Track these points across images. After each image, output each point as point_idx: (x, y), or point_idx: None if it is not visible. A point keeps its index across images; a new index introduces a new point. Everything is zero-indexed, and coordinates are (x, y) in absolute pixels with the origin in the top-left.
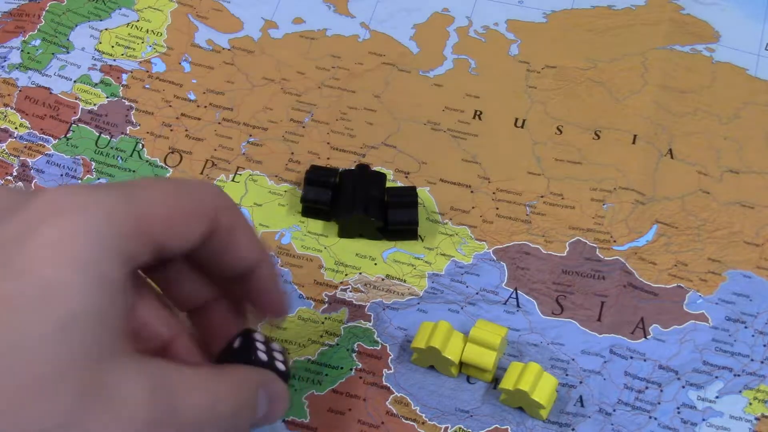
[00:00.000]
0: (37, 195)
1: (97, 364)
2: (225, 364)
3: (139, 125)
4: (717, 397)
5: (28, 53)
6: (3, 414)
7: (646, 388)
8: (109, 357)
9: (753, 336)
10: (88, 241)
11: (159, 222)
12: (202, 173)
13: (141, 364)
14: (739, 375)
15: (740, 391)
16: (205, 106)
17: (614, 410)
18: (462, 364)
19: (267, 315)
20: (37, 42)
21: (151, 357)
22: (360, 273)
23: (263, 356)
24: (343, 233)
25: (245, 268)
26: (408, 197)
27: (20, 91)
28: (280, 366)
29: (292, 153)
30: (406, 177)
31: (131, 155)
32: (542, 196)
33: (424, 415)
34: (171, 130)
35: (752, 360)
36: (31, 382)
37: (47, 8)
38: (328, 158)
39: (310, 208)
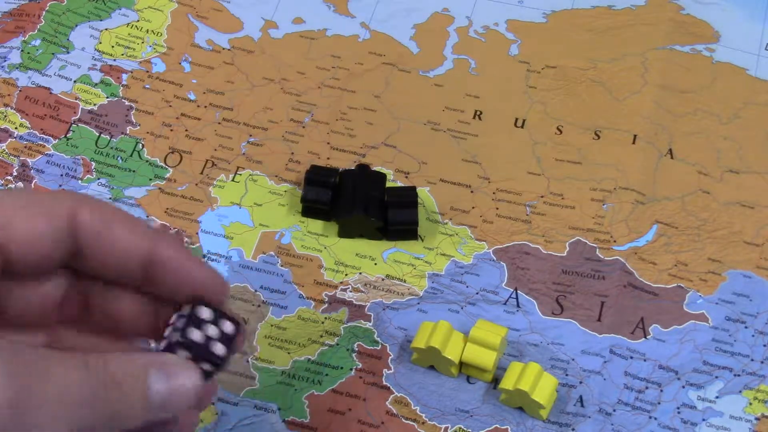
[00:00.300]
0: None
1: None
2: (108, 353)
3: (139, 125)
4: (717, 397)
5: (28, 53)
6: None
7: (646, 388)
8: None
9: (753, 336)
10: None
11: (12, 242)
12: (202, 173)
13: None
14: (739, 375)
15: (740, 391)
16: (205, 106)
17: (614, 410)
18: (462, 364)
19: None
20: (37, 42)
21: (13, 343)
22: (360, 273)
23: (197, 336)
24: (343, 233)
25: (140, 259)
26: (408, 197)
27: (20, 91)
28: (218, 350)
29: (292, 153)
30: (406, 177)
31: (131, 155)
32: (542, 196)
33: (424, 415)
34: (171, 130)
35: (752, 360)
36: None
37: (47, 8)
38: (328, 158)
39: (310, 208)
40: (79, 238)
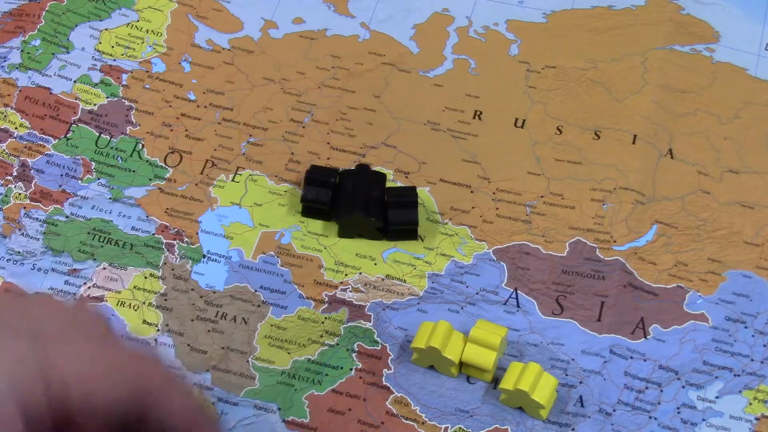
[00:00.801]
0: None
1: None
2: None
3: (139, 125)
4: (717, 397)
5: (28, 53)
6: None
7: (646, 388)
8: None
9: (753, 336)
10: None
11: (75, 392)
12: (202, 173)
13: None
14: (739, 375)
15: (740, 391)
16: (205, 106)
17: (614, 410)
18: (462, 364)
19: None
20: (37, 42)
21: None
22: (360, 273)
23: None
24: (343, 233)
25: None
26: (408, 197)
27: (20, 91)
28: None
29: (292, 153)
30: (406, 177)
31: (131, 155)
32: (542, 196)
33: (424, 415)
34: (171, 130)
35: (752, 360)
36: None
37: (47, 8)
38: (328, 158)
39: (310, 208)
40: (135, 406)
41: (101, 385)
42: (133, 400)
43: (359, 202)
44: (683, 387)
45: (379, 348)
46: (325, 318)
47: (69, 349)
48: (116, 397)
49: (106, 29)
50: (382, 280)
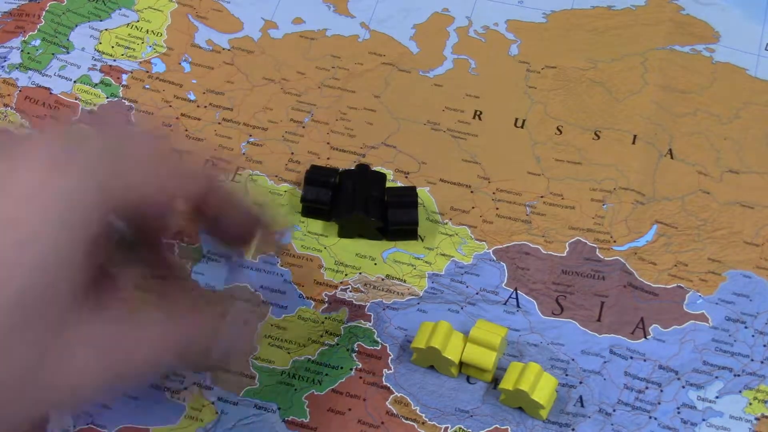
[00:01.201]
0: (31, 141)
1: (58, 320)
2: (184, 313)
3: (139, 125)
4: (717, 397)
5: (28, 53)
6: None
7: (646, 388)
8: (69, 313)
9: (753, 336)
10: (61, 202)
11: (131, 205)
12: None
13: (94, 321)
14: (739, 375)
15: (740, 391)
16: (205, 106)
17: (614, 410)
18: (462, 364)
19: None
20: (37, 42)
21: (103, 311)
22: (360, 273)
23: None
24: (343, 233)
25: (236, 237)
26: (408, 197)
27: (20, 91)
28: None
29: (292, 153)
30: (406, 177)
31: None
32: (542, 196)
33: (424, 415)
34: (171, 130)
35: (752, 360)
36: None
37: (47, 8)
38: (328, 158)
39: (310, 208)
40: (197, 215)
41: (157, 206)
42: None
43: (359, 202)
44: (683, 387)
45: (379, 348)
46: (325, 318)
47: (130, 167)
48: (170, 210)
49: (106, 29)
50: (382, 280)
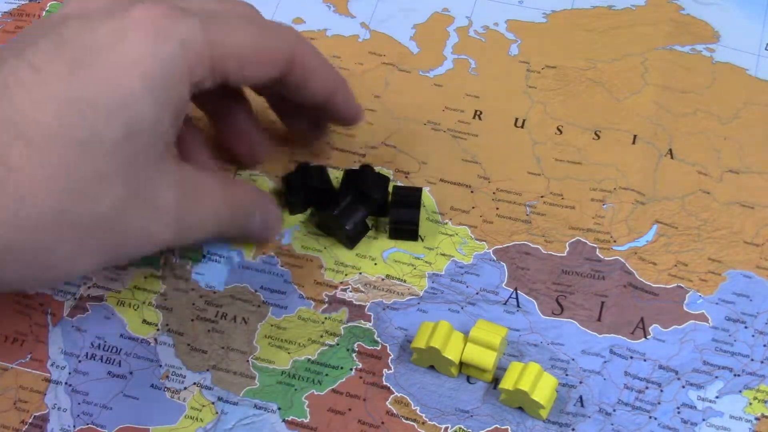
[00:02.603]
0: (136, 7)
1: (146, 169)
2: (235, 179)
3: None
4: (717, 397)
5: None
6: (74, 192)
7: (646, 388)
8: (156, 164)
9: (753, 336)
10: (162, 64)
11: (232, 59)
12: None
13: (176, 171)
14: (739, 375)
15: (740, 391)
16: None
17: (614, 410)
18: (462, 364)
19: (344, 126)
20: None
21: (183, 163)
22: (360, 273)
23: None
24: (320, 228)
25: (318, 101)
26: (412, 197)
27: None
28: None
29: (293, 153)
30: (406, 177)
31: None
32: (542, 196)
33: (424, 415)
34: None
35: (752, 360)
36: (96, 175)
37: (47, 8)
38: (328, 158)
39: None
40: (286, 79)
41: (257, 61)
42: (285, 75)
43: (343, 204)
44: (683, 387)
45: (379, 348)
46: (325, 318)
47: (233, 28)
48: (268, 72)
49: None
50: (382, 280)
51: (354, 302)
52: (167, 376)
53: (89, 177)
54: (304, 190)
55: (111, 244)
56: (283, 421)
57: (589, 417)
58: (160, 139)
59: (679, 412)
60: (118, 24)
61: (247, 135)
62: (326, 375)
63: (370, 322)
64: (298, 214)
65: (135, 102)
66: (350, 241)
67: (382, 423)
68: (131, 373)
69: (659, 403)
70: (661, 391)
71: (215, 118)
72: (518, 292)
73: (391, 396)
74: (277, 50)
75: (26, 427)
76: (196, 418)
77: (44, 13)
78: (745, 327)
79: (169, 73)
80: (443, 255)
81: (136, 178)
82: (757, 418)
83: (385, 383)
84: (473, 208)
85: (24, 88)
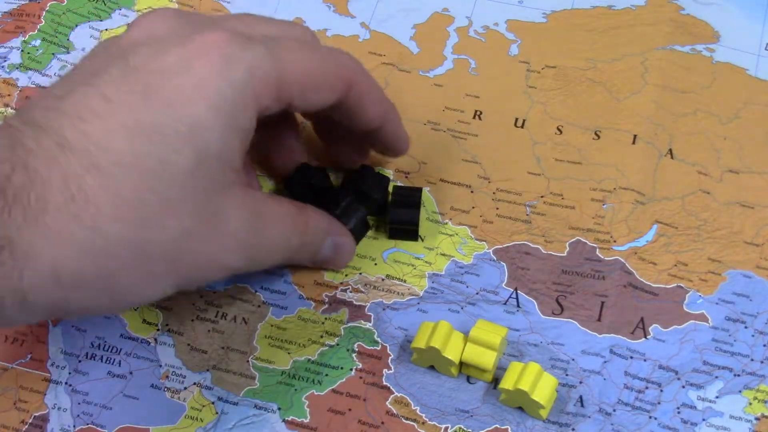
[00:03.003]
0: (203, 33)
1: (215, 196)
2: (306, 205)
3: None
4: (717, 397)
5: (28, 53)
6: (144, 221)
7: (646, 388)
8: (224, 190)
9: (753, 336)
10: (231, 91)
11: (296, 85)
12: None
13: (244, 197)
14: (739, 375)
15: (740, 391)
16: None
17: (614, 410)
18: (462, 364)
19: (390, 156)
20: (37, 42)
21: (250, 189)
22: (360, 273)
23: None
24: None
25: (372, 127)
26: (413, 198)
27: (20, 91)
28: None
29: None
30: (406, 177)
31: None
32: (542, 196)
33: (424, 415)
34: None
35: (752, 360)
36: (166, 204)
37: (47, 8)
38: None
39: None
40: (342, 103)
41: (319, 85)
42: (343, 99)
43: (343, 204)
44: (683, 387)
45: (379, 348)
46: (325, 318)
47: (296, 55)
48: (330, 96)
49: (106, 29)
50: (382, 280)
51: (354, 302)
52: (167, 376)
53: (159, 206)
54: (304, 190)
55: (179, 271)
56: (283, 421)
57: (589, 417)
58: (228, 166)
59: (679, 412)
60: (185, 51)
61: (291, 154)
62: (326, 375)
63: (370, 322)
64: None
65: (204, 129)
66: (356, 236)
67: (382, 423)
68: (131, 373)
69: (659, 403)
70: (661, 391)
71: (265, 138)
72: (518, 292)
73: (391, 396)
74: (338, 75)
75: (26, 427)
76: (196, 418)
77: (44, 13)
78: (745, 327)
79: (237, 100)
80: (443, 255)
81: (204, 205)
82: (757, 418)
83: (385, 383)
84: (473, 208)
85: (97, 118)
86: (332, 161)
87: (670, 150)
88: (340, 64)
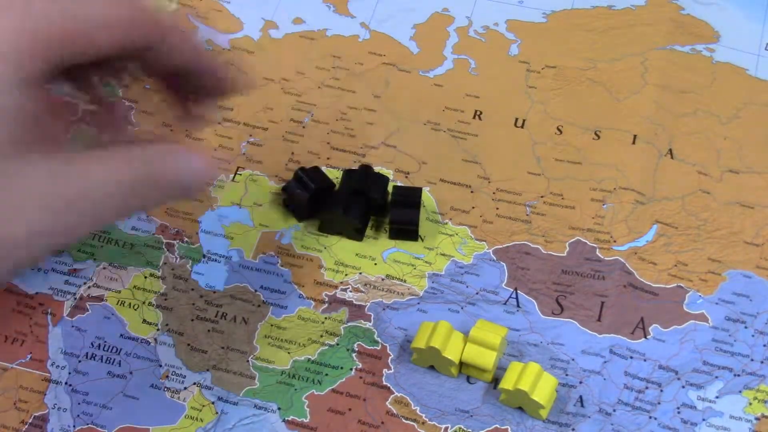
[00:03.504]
0: None
1: (6, 159)
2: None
3: (140, 125)
4: (717, 397)
5: None
6: None
7: (646, 388)
8: (17, 152)
9: (753, 336)
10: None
11: (56, 38)
12: None
13: (43, 156)
14: (739, 375)
15: (740, 391)
16: None
17: (614, 410)
18: (462, 364)
19: (230, 93)
20: None
21: (50, 146)
22: (360, 273)
23: None
24: (324, 228)
25: (183, 69)
26: (412, 198)
27: None
28: None
29: (292, 153)
30: (406, 177)
31: None
32: (542, 196)
33: (424, 415)
34: (171, 131)
35: (752, 360)
36: None
37: None
38: (328, 158)
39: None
40: (134, 46)
41: (84, 34)
42: (128, 43)
43: (343, 200)
44: (683, 387)
45: (379, 348)
46: (325, 318)
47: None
48: (102, 43)
49: None
50: (382, 280)
51: (354, 302)
52: (167, 376)
53: None
54: (304, 192)
55: None
56: (283, 421)
57: (589, 417)
58: (10, 129)
59: (679, 412)
60: None
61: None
62: (326, 375)
63: (370, 322)
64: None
65: None
66: (359, 232)
67: (382, 423)
68: (131, 373)
69: (659, 403)
70: (661, 391)
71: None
72: (518, 292)
73: (391, 396)
74: (105, 21)
75: (26, 427)
76: (196, 418)
77: None
78: (745, 327)
79: (13, 55)
80: (443, 255)
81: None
82: (757, 418)
83: (385, 383)
84: (473, 208)
85: None
86: (188, 121)
87: (670, 150)
88: (108, 12)
